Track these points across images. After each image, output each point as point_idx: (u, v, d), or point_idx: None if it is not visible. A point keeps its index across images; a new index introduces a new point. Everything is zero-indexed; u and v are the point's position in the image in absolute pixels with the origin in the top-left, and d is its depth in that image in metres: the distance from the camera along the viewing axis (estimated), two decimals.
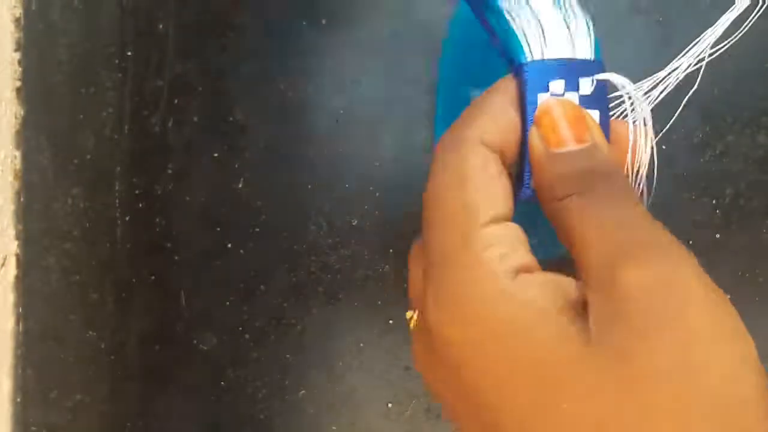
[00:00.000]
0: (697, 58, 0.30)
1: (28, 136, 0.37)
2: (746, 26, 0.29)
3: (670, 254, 0.24)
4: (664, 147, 0.36)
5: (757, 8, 0.30)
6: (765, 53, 0.35)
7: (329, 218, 0.36)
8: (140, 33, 0.36)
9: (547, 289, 0.24)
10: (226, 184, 0.37)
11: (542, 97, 0.26)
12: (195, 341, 0.37)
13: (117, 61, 0.36)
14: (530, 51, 0.27)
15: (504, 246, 0.24)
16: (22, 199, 0.37)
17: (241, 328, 0.37)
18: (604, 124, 0.27)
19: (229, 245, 0.37)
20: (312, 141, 0.36)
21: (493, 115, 0.27)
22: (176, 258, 0.37)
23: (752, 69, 0.35)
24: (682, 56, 0.30)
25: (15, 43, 0.37)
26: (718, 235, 0.35)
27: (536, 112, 0.26)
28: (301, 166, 0.37)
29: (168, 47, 0.36)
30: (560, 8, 0.28)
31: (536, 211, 0.27)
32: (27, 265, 0.38)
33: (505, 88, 0.27)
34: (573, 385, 0.22)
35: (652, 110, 0.28)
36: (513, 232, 0.25)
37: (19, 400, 0.38)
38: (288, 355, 0.37)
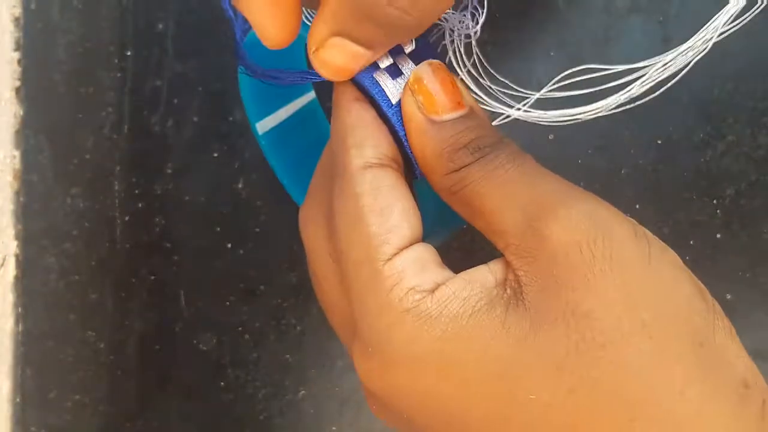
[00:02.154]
0: (692, 58, 0.30)
1: (27, 135, 0.37)
2: (741, 24, 0.30)
3: (586, 197, 0.23)
4: (664, 147, 0.36)
5: (756, 7, 0.30)
6: (765, 53, 0.35)
7: None
8: (140, 33, 0.36)
9: (469, 291, 0.23)
10: (226, 184, 0.37)
11: (380, 77, 0.25)
12: (195, 341, 0.37)
13: (117, 61, 0.36)
14: None
15: (414, 275, 0.23)
16: (21, 199, 0.37)
17: (241, 328, 0.37)
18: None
19: (229, 245, 0.37)
20: None
21: (360, 126, 0.25)
22: (176, 258, 0.37)
23: (752, 69, 0.35)
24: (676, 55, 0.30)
25: (14, 42, 0.37)
26: (718, 235, 0.35)
27: (410, 80, 0.25)
28: None
29: (168, 47, 0.36)
30: None
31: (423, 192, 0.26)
32: (26, 265, 0.38)
33: (343, 91, 0.26)
34: (531, 376, 0.22)
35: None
36: (418, 253, 0.24)
37: (18, 400, 0.38)
38: (288, 355, 0.37)
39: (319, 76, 0.26)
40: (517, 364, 0.22)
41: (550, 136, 0.36)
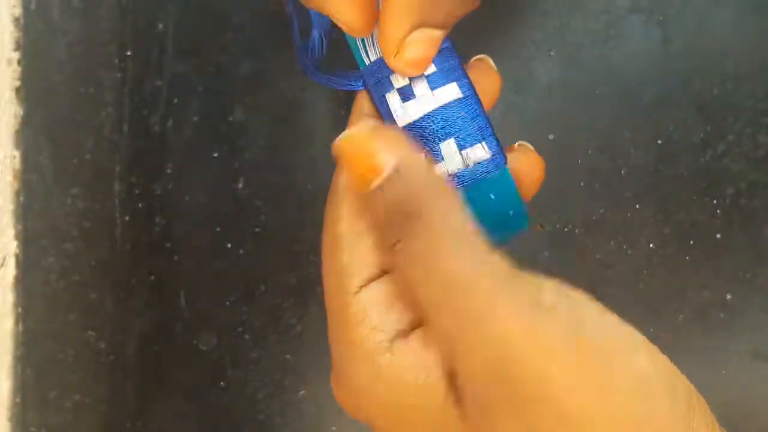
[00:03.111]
0: None
1: (27, 135, 0.37)
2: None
3: (494, 315, 0.20)
4: (664, 147, 0.36)
5: None
6: (765, 53, 0.35)
7: None
8: (140, 33, 0.36)
9: (424, 355, 0.22)
10: (226, 184, 0.37)
11: (391, 97, 0.25)
12: (195, 341, 0.37)
13: (117, 61, 0.36)
14: (367, 55, 0.26)
15: (378, 313, 0.23)
16: (21, 199, 0.37)
17: (241, 328, 0.37)
18: (468, 94, 0.25)
19: (229, 245, 0.37)
20: (312, 141, 0.36)
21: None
22: (176, 258, 0.37)
23: (752, 69, 0.35)
24: None
25: (14, 42, 0.37)
26: (718, 235, 0.35)
27: (336, 156, 0.23)
28: (301, 166, 0.37)
29: (168, 47, 0.36)
30: None
31: (480, 190, 0.25)
32: (26, 265, 0.38)
33: (360, 106, 0.26)
34: None
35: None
36: (390, 288, 0.23)
37: (18, 400, 0.38)
38: (288, 355, 0.37)
39: (361, 85, 0.26)
40: None
41: (550, 137, 0.36)
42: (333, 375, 0.25)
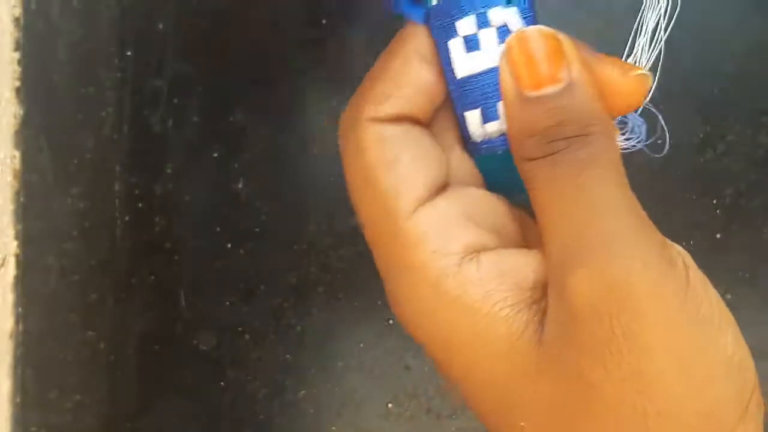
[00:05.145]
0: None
1: (27, 136, 0.37)
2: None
3: (625, 254, 0.20)
4: (663, 146, 0.36)
5: None
6: (765, 53, 0.35)
7: (329, 218, 0.36)
8: (140, 33, 0.36)
9: (497, 281, 0.21)
10: (226, 184, 0.37)
11: (453, 45, 0.23)
12: (195, 341, 0.37)
13: (117, 61, 0.36)
14: None
15: (438, 235, 0.21)
16: (21, 199, 0.37)
17: (241, 328, 0.37)
18: None
19: (229, 245, 0.37)
20: (312, 141, 0.36)
21: (389, 80, 0.23)
22: (176, 258, 0.37)
23: (752, 69, 0.35)
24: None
25: (14, 42, 0.37)
26: (718, 235, 0.35)
27: (506, 45, 0.22)
28: (301, 166, 0.37)
29: (168, 47, 0.36)
30: None
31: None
32: (26, 265, 0.38)
33: (405, 39, 0.23)
34: (524, 412, 0.21)
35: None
36: (448, 207, 0.22)
37: (18, 400, 0.38)
38: (288, 355, 0.37)
39: (422, 19, 0.23)
40: (513, 395, 0.21)
41: None
42: (389, 297, 0.23)
